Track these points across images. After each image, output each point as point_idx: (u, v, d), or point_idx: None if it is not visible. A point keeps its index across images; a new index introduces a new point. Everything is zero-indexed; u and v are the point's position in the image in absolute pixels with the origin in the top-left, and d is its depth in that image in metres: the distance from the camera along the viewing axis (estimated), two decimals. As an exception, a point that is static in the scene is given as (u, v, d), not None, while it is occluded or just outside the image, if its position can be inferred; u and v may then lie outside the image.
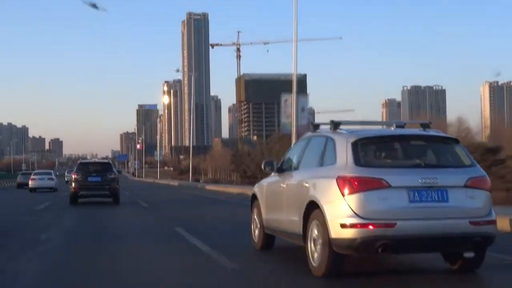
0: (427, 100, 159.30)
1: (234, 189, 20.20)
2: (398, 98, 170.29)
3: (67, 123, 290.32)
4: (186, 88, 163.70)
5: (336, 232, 3.54)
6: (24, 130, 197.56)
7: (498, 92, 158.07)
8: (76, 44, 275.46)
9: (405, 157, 3.83)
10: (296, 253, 4.45)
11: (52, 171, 26.64)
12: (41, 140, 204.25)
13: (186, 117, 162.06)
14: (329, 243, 3.58)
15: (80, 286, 3.60)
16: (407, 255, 4.19)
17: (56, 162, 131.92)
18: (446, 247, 3.74)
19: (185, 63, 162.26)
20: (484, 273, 3.86)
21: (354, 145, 3.70)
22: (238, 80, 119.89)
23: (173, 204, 13.00)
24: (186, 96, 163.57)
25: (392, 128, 4.20)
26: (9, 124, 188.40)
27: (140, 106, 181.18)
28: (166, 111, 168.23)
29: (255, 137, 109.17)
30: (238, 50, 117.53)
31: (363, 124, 4.40)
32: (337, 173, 3.64)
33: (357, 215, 3.49)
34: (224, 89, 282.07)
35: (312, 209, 3.82)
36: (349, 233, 3.49)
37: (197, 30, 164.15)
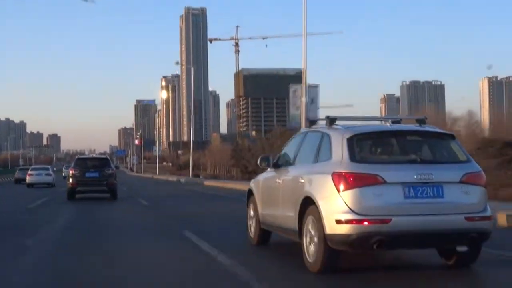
0: (426, 95, 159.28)
1: (237, 185, 19.78)
2: (397, 93, 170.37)
3: (65, 119, 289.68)
4: (184, 83, 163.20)
5: (331, 228, 3.54)
6: (22, 125, 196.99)
7: (497, 87, 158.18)
8: (74, 40, 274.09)
9: (400, 153, 3.83)
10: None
11: (49, 167, 26.60)
12: (39, 135, 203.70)
13: (185, 112, 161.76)
14: (325, 239, 3.59)
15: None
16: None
17: (54, 158, 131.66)
18: (442, 243, 3.75)
19: (183, 58, 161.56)
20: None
21: (350, 140, 3.70)
22: (237, 75, 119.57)
23: (174, 201, 12.42)
24: (184, 91, 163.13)
25: (388, 124, 4.20)
26: (7, 119, 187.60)
27: (138, 101, 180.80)
28: (164, 106, 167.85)
29: (253, 132, 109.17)
30: (237, 45, 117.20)
31: (359, 120, 4.38)
32: (333, 169, 3.64)
33: (352, 211, 3.49)
34: (222, 84, 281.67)
35: (308, 205, 3.82)
36: (344, 229, 3.49)
37: (195, 25, 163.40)
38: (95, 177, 12.33)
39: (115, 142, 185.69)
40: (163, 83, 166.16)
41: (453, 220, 3.53)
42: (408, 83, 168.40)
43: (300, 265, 3.88)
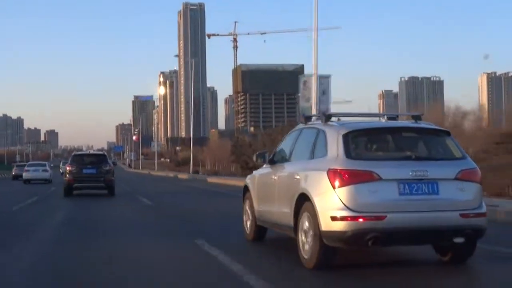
0: (424, 91, 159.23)
1: (241, 182, 18.84)
2: (396, 89, 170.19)
3: (63, 115, 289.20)
4: (182, 78, 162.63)
5: (326, 224, 3.54)
6: (19, 121, 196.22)
7: (495, 82, 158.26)
8: (71, 35, 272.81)
9: (396, 150, 3.82)
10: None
11: (46, 163, 26.54)
12: (36, 131, 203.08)
13: (182, 108, 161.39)
14: (320, 236, 3.58)
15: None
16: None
17: (51, 154, 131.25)
18: (437, 240, 3.75)
19: (181, 54, 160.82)
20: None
21: (345, 137, 3.69)
22: (235, 71, 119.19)
23: (179, 199, 11.69)
24: (182, 87, 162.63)
25: (384, 120, 4.18)
26: (4, 115, 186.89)
27: (136, 97, 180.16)
28: (162, 102, 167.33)
29: (252, 128, 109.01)
30: (235, 40, 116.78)
31: (355, 116, 4.37)
32: (328, 166, 3.63)
33: (347, 207, 3.48)
34: (220, 80, 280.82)
35: (303, 201, 3.82)
36: (339, 226, 3.49)
37: (193, 20, 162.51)
38: (92, 173, 12.29)
39: (112, 138, 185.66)
40: (161, 79, 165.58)
41: (448, 216, 3.53)
42: (406, 79, 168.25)
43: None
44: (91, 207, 9.84)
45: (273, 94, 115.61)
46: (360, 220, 3.44)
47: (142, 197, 11.63)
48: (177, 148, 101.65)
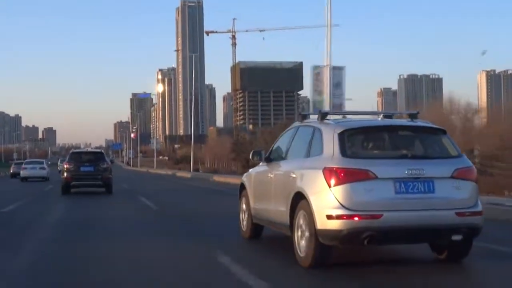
0: (423, 88, 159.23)
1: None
2: (395, 87, 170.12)
3: (61, 112, 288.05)
4: (180, 76, 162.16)
5: (322, 223, 3.53)
6: (17, 119, 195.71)
7: (495, 80, 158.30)
8: (69, 33, 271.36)
9: (392, 148, 3.81)
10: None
11: (44, 160, 26.47)
12: (34, 129, 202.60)
13: (181, 106, 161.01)
14: (315, 234, 3.58)
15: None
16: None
17: (49, 151, 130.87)
18: (433, 238, 3.75)
19: (179, 51, 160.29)
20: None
21: (341, 135, 3.68)
22: (234, 68, 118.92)
23: (188, 204, 10.06)
24: (180, 85, 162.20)
25: (380, 119, 4.16)
26: (2, 113, 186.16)
27: (134, 94, 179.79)
28: (160, 99, 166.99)
29: (250, 126, 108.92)
30: (234, 37, 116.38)
31: (351, 114, 4.34)
32: (324, 164, 3.62)
33: (343, 206, 3.48)
34: (218, 77, 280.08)
35: (299, 199, 3.81)
36: (335, 225, 3.48)
37: (191, 17, 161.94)
38: (90, 171, 12.24)
39: (111, 136, 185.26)
40: (159, 76, 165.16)
41: (444, 215, 3.53)
42: (405, 76, 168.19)
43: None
44: (89, 205, 9.80)
45: (272, 91, 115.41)
46: (356, 218, 3.43)
47: (146, 200, 10.60)
48: (176, 146, 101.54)
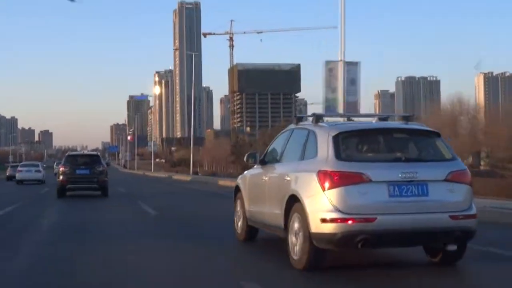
0: (421, 91, 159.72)
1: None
2: (392, 89, 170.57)
3: (58, 115, 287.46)
4: (177, 78, 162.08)
5: (316, 226, 3.53)
6: (13, 121, 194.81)
7: (492, 82, 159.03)
8: (66, 35, 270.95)
9: (386, 151, 3.82)
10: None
11: (39, 163, 26.33)
12: (30, 131, 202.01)
13: (178, 108, 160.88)
14: (310, 237, 3.58)
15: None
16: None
17: (45, 154, 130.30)
18: (427, 242, 3.75)
19: (177, 53, 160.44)
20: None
21: (335, 138, 3.68)
22: (231, 70, 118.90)
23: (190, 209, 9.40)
24: (177, 87, 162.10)
25: (374, 121, 4.17)
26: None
27: (131, 97, 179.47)
28: (157, 102, 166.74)
29: (248, 129, 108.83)
30: (231, 39, 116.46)
31: (346, 117, 4.34)
32: (318, 167, 3.62)
33: (337, 209, 3.47)
34: (215, 80, 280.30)
35: (293, 202, 3.81)
36: (329, 228, 3.48)
37: (189, 19, 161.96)
38: (86, 174, 12.21)
39: (107, 138, 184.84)
40: (156, 79, 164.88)
41: (438, 218, 3.53)
42: (403, 78, 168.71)
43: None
44: (85, 209, 9.72)
45: (270, 93, 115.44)
46: (350, 222, 3.43)
47: (143, 204, 9.96)
48: (173, 148, 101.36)
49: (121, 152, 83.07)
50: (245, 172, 5.23)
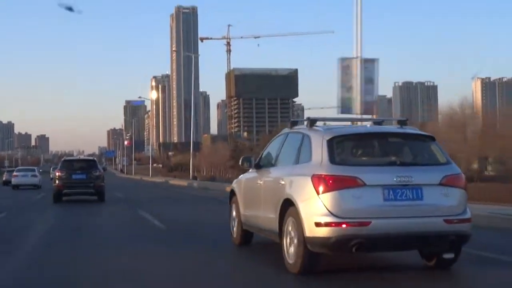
0: (418, 96, 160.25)
1: None
2: (389, 94, 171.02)
3: (54, 120, 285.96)
4: (174, 83, 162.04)
5: (310, 230, 3.52)
6: (10, 126, 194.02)
7: (490, 88, 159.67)
8: (62, 40, 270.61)
9: (380, 155, 3.82)
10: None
11: (35, 168, 26.22)
12: (27, 136, 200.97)
13: (175, 113, 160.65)
14: (304, 241, 3.57)
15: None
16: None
17: (42, 159, 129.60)
18: (421, 246, 3.74)
19: (174, 58, 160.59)
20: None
21: (330, 142, 3.68)
22: (228, 75, 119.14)
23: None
24: (174, 92, 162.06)
25: (369, 125, 4.18)
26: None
27: (128, 101, 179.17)
28: (154, 106, 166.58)
29: (245, 134, 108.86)
30: (228, 44, 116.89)
31: (341, 121, 4.35)
32: (312, 171, 3.62)
33: (331, 213, 3.47)
34: (212, 85, 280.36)
35: (288, 206, 3.81)
36: (323, 232, 3.47)
37: (186, 23, 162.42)
38: (82, 179, 12.14)
39: (104, 143, 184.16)
40: (153, 83, 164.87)
41: (433, 222, 3.52)
42: (400, 84, 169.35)
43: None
44: (81, 213, 9.68)
45: (267, 98, 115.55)
46: (344, 226, 3.43)
47: (145, 213, 9.05)
48: (170, 153, 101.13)
49: (118, 157, 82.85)
50: (240, 176, 5.23)
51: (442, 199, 3.57)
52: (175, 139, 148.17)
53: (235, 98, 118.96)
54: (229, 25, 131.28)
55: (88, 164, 12.66)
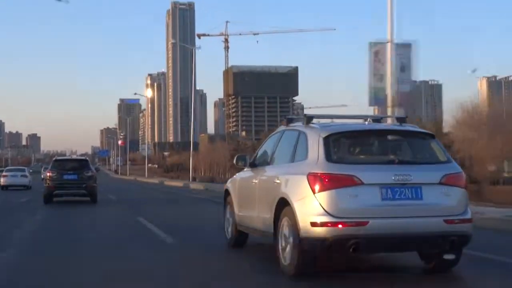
0: (422, 94, 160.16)
1: None
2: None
3: (46, 118, 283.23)
4: (170, 81, 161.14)
5: (306, 230, 3.42)
6: (0, 124, 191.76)
7: (496, 87, 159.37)
8: (54, 37, 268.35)
9: (378, 153, 3.72)
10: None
11: (25, 168, 25.76)
12: (17, 135, 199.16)
13: (171, 112, 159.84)
14: (300, 242, 3.46)
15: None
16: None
17: (32, 158, 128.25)
18: (420, 247, 3.64)
19: (170, 55, 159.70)
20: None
21: (326, 140, 3.57)
22: (226, 73, 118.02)
23: None
24: (170, 90, 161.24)
25: (367, 122, 4.06)
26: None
27: (122, 100, 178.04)
28: (149, 105, 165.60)
29: (243, 133, 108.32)
30: (226, 41, 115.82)
31: (338, 118, 4.24)
32: (308, 170, 3.51)
33: (328, 213, 3.36)
34: (209, 83, 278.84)
35: (283, 206, 3.70)
36: (319, 232, 3.36)
37: (182, 20, 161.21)
38: (74, 179, 11.94)
39: (97, 142, 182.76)
40: (149, 81, 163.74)
41: (432, 222, 3.42)
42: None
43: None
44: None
45: (266, 97, 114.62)
46: (340, 226, 3.32)
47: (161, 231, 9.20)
48: (165, 153, 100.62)
49: (112, 157, 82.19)
50: (235, 175, 5.11)
51: (442, 199, 3.47)
52: (170, 138, 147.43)
53: (233, 97, 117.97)
54: (227, 22, 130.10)
55: (80, 164, 12.45)
